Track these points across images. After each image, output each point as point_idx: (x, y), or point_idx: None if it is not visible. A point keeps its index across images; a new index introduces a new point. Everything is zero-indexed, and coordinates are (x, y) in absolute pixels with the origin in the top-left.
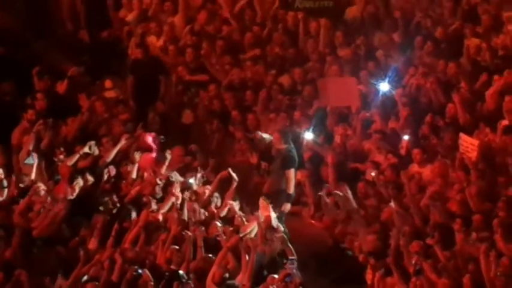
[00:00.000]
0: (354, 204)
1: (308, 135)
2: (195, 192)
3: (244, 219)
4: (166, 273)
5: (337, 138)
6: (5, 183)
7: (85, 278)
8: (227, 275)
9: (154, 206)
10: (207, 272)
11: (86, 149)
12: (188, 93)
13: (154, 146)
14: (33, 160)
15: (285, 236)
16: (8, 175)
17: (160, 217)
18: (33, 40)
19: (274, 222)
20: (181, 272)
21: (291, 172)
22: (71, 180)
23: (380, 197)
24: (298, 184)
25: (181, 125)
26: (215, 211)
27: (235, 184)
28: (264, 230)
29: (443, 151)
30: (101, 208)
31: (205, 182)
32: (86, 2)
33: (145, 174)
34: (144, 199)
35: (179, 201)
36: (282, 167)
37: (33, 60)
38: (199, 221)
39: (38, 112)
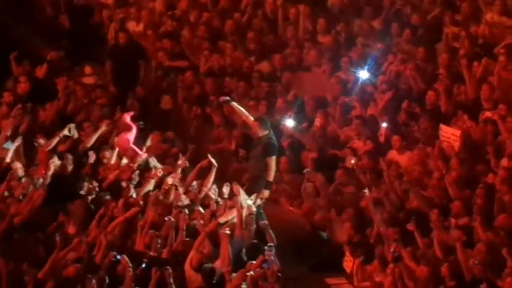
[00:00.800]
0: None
1: (287, 122)
2: (177, 178)
3: (222, 205)
4: (145, 259)
5: (317, 122)
6: None
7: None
8: (205, 260)
9: (132, 191)
10: (186, 256)
11: (66, 132)
12: (167, 79)
13: (132, 125)
14: (12, 145)
15: (267, 222)
16: None
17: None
18: (13, 25)
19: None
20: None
21: (272, 159)
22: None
23: (359, 184)
24: (278, 171)
25: (160, 111)
26: (196, 197)
27: (214, 170)
28: (242, 215)
29: (422, 138)
30: (82, 193)
31: (185, 168)
32: None
33: (124, 159)
34: (124, 184)
35: (160, 187)
36: (263, 155)
37: (13, 45)
38: (181, 205)
39: (18, 96)
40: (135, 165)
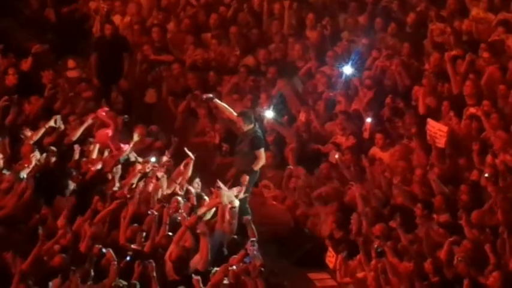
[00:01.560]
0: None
1: (271, 116)
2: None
3: (205, 199)
4: (128, 252)
5: (302, 117)
6: None
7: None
8: (184, 254)
9: (116, 183)
10: (167, 249)
11: (51, 123)
12: (152, 73)
13: (109, 120)
14: None
15: (250, 217)
16: None
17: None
18: None
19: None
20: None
21: (261, 152)
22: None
23: (343, 179)
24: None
25: (145, 104)
26: (177, 190)
27: (191, 163)
28: (224, 209)
29: (407, 134)
30: (67, 186)
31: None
32: None
33: (105, 153)
34: (108, 176)
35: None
36: (251, 148)
37: None
38: (164, 198)
39: (5, 88)
40: (118, 158)
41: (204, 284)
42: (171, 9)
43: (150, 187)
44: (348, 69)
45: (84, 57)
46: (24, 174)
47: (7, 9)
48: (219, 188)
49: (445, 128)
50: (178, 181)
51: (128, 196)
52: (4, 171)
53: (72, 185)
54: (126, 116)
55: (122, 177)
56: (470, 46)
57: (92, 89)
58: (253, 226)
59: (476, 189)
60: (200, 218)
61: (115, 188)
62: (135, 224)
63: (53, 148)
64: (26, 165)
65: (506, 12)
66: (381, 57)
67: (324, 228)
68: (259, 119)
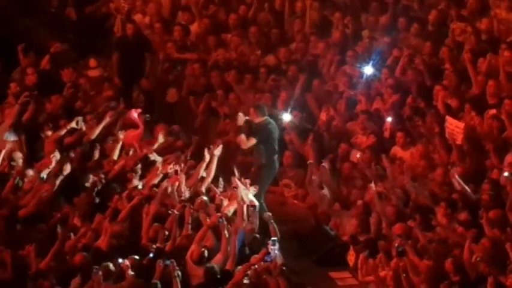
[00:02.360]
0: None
1: (291, 115)
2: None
3: (225, 198)
4: (150, 252)
5: (323, 116)
6: None
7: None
8: (206, 253)
9: (136, 183)
10: (188, 249)
11: (73, 124)
12: (174, 72)
13: (139, 122)
14: (12, 136)
15: (271, 214)
16: None
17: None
18: (20, 18)
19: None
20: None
21: (251, 139)
22: None
23: (365, 179)
24: (281, 164)
25: (166, 104)
26: (200, 189)
27: (215, 160)
28: (243, 207)
29: (428, 134)
30: (87, 185)
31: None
32: None
33: (130, 152)
34: (128, 175)
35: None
36: (261, 141)
37: (20, 37)
38: (186, 199)
39: (26, 87)
40: (139, 157)
41: (225, 283)
42: (192, 8)
43: (171, 187)
44: (368, 69)
45: (106, 57)
46: (44, 174)
47: (29, 9)
48: (236, 187)
49: (461, 125)
50: (199, 181)
51: (149, 195)
52: (26, 171)
53: (93, 184)
54: (147, 115)
55: (142, 177)
56: (490, 45)
57: (113, 89)
58: (274, 225)
59: (497, 188)
60: (222, 218)
61: (136, 187)
62: (157, 224)
63: (77, 149)
64: (47, 165)
65: None
66: (402, 56)
67: (346, 226)
68: (277, 118)
